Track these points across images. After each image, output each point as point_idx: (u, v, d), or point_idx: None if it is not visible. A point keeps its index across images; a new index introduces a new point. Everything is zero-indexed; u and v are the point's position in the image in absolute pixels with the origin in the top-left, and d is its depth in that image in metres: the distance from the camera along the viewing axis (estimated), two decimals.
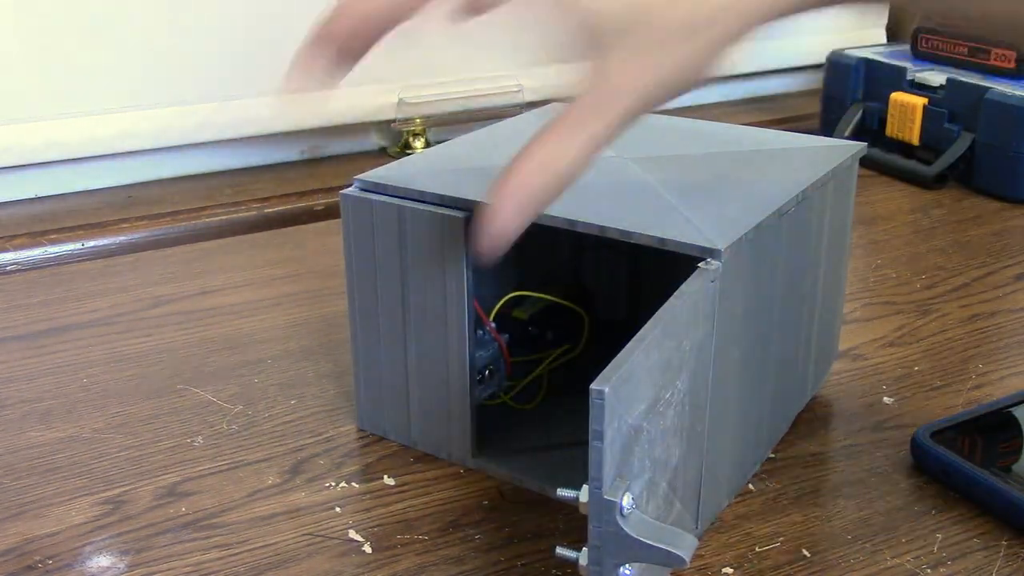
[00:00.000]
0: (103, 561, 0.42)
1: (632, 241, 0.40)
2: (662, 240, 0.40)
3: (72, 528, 0.44)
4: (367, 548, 0.43)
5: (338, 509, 0.45)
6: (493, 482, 0.47)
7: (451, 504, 0.45)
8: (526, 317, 0.51)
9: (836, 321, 0.55)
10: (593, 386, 0.31)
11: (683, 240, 0.39)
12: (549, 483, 0.45)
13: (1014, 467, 0.47)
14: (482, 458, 0.47)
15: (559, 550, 0.35)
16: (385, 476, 0.47)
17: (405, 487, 0.46)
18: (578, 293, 0.54)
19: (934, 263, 0.71)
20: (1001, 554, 0.42)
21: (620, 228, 0.41)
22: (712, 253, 0.39)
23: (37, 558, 0.42)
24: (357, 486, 0.47)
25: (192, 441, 0.50)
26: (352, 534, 0.43)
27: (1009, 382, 0.55)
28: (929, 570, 0.41)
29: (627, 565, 0.34)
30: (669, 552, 0.32)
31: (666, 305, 0.36)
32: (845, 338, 0.59)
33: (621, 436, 0.33)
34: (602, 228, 0.41)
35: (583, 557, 0.34)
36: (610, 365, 0.33)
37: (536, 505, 0.45)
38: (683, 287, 0.37)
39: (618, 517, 0.32)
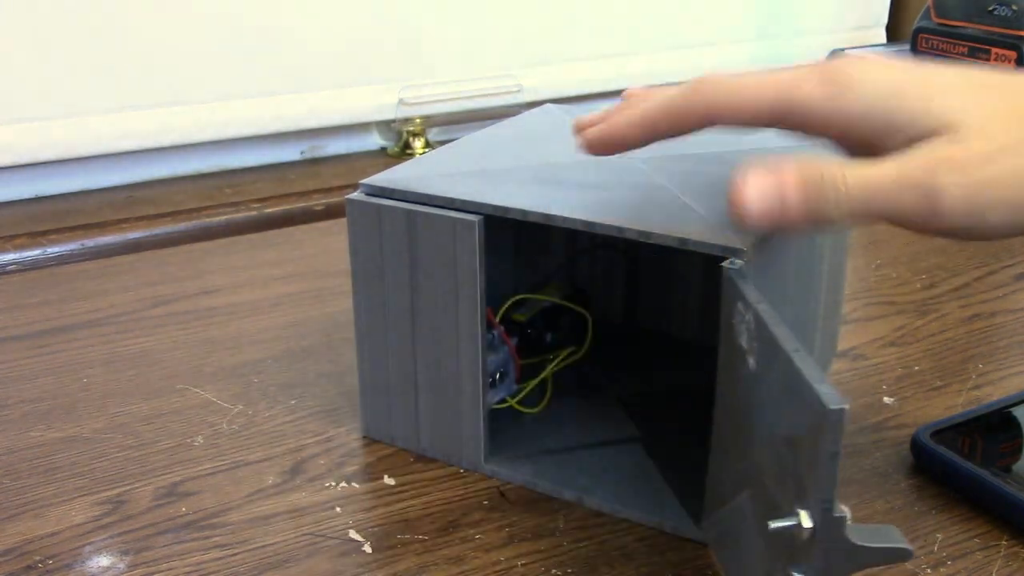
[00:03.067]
0: (103, 561, 0.42)
1: (651, 242, 0.40)
2: (683, 240, 0.39)
3: (72, 528, 0.44)
4: (367, 548, 0.42)
5: (338, 509, 0.45)
6: (493, 482, 0.47)
7: (451, 504, 0.45)
8: (526, 320, 0.51)
9: (836, 320, 0.55)
10: (832, 406, 0.31)
11: (704, 240, 0.39)
12: (565, 486, 0.45)
13: (1014, 467, 0.47)
14: (494, 463, 0.47)
15: None
16: (385, 476, 0.47)
17: (405, 487, 0.46)
18: (574, 295, 0.54)
19: (934, 263, 0.71)
20: (1001, 554, 0.42)
21: (639, 229, 0.40)
22: (735, 252, 0.38)
23: (37, 558, 0.42)
24: (357, 486, 0.47)
25: (192, 441, 0.50)
26: (352, 534, 0.43)
27: (1009, 382, 0.55)
28: (929, 570, 0.41)
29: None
30: (895, 549, 0.31)
31: (769, 316, 0.35)
32: (845, 338, 0.59)
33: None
34: (620, 229, 0.40)
35: None
36: (820, 378, 0.31)
37: (536, 505, 0.45)
38: (747, 296, 0.36)
39: (846, 530, 0.31)
